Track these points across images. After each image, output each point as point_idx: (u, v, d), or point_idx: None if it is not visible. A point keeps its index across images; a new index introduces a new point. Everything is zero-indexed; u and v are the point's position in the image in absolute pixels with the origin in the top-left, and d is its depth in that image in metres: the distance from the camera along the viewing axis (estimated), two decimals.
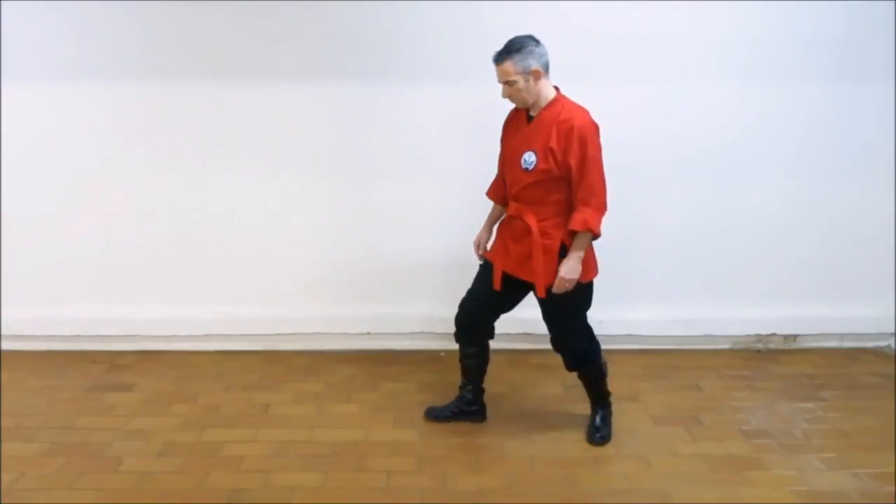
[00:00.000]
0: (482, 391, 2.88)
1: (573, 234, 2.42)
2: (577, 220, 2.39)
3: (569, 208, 2.44)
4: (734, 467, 2.56)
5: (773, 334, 3.62)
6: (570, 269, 2.42)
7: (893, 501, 2.37)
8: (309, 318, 3.54)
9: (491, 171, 2.75)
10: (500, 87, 2.45)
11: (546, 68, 2.41)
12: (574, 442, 2.72)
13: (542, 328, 2.65)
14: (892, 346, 3.63)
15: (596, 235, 2.44)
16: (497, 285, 2.60)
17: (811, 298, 3.59)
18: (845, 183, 3.44)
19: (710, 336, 3.60)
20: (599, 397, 2.77)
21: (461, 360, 2.83)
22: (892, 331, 3.59)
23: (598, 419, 2.76)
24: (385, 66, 3.25)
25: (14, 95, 3.26)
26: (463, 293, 2.77)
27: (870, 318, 3.60)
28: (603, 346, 2.70)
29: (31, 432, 2.77)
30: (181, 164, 3.37)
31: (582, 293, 2.54)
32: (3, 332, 3.50)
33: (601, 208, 2.41)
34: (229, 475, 2.50)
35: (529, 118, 2.49)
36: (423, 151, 3.37)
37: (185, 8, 3.16)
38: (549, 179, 2.42)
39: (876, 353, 3.61)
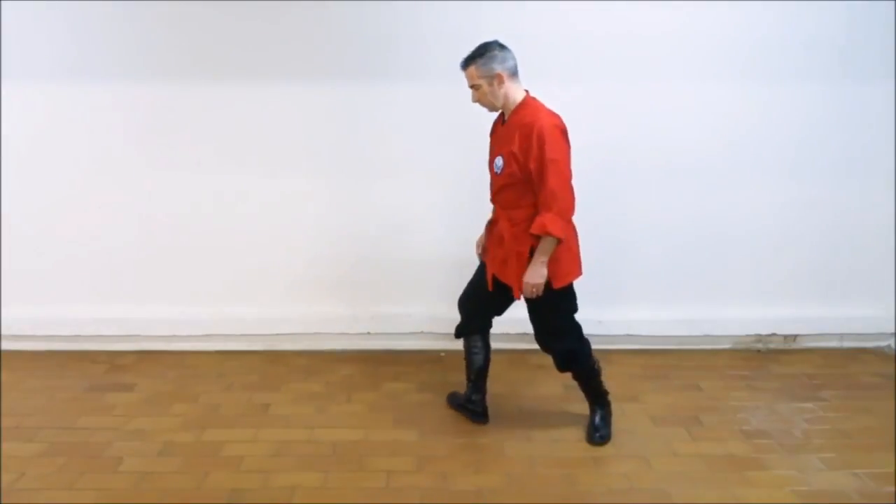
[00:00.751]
0: (485, 392, 2.87)
1: (537, 237, 2.40)
2: (537, 224, 2.36)
3: None
4: (734, 467, 2.56)
5: (773, 334, 3.62)
6: (532, 274, 2.41)
7: (893, 501, 2.38)
8: (309, 318, 3.54)
9: None
10: None
11: (512, 72, 2.41)
12: (574, 442, 2.72)
13: None
14: (892, 346, 3.63)
15: (559, 240, 2.38)
16: (489, 286, 2.62)
17: (811, 298, 3.59)
18: (845, 183, 3.44)
19: (710, 336, 3.59)
20: (597, 397, 2.77)
21: (468, 356, 2.82)
22: (892, 331, 3.59)
23: (597, 419, 2.76)
24: (385, 67, 3.25)
25: (14, 95, 3.26)
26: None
27: (870, 318, 3.60)
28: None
29: (31, 432, 2.77)
30: (181, 165, 3.37)
31: (560, 296, 2.51)
32: (3, 332, 3.50)
33: (563, 213, 2.36)
34: (229, 475, 2.50)
35: (504, 123, 2.51)
36: (423, 151, 3.37)
37: (185, 8, 3.16)
38: (517, 183, 2.42)
39: (876, 353, 3.61)
